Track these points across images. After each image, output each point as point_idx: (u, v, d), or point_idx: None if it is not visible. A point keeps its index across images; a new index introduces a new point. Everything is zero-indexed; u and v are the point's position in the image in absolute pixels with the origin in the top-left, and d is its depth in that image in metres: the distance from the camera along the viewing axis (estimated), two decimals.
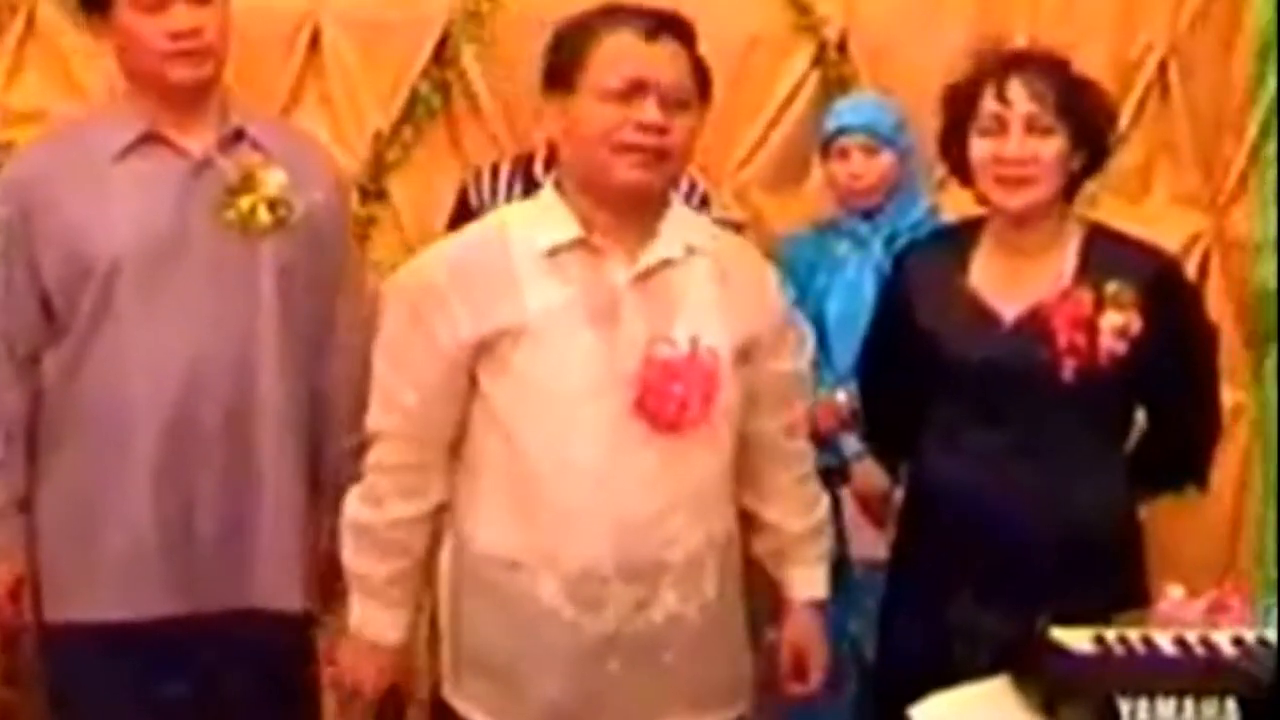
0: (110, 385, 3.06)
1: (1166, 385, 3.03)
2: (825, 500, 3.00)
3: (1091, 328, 2.92)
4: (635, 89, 2.57)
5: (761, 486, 2.88)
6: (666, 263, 2.64)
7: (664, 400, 2.60)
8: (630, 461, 2.61)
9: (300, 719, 3.33)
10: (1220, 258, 4.31)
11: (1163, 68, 4.24)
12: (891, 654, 3.11)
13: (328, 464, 3.28)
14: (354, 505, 2.76)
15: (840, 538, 3.54)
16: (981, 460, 3.00)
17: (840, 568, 3.39)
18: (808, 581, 2.93)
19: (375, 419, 2.74)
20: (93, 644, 3.11)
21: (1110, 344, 2.91)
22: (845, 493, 3.78)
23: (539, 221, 2.66)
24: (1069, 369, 2.92)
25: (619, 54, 2.59)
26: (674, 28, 2.63)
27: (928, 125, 3.83)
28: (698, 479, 2.68)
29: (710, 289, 2.67)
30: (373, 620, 2.77)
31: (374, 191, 4.11)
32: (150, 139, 3.10)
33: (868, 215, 3.88)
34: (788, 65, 4.22)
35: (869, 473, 3.74)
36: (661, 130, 2.56)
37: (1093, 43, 4.05)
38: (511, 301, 2.60)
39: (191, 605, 3.12)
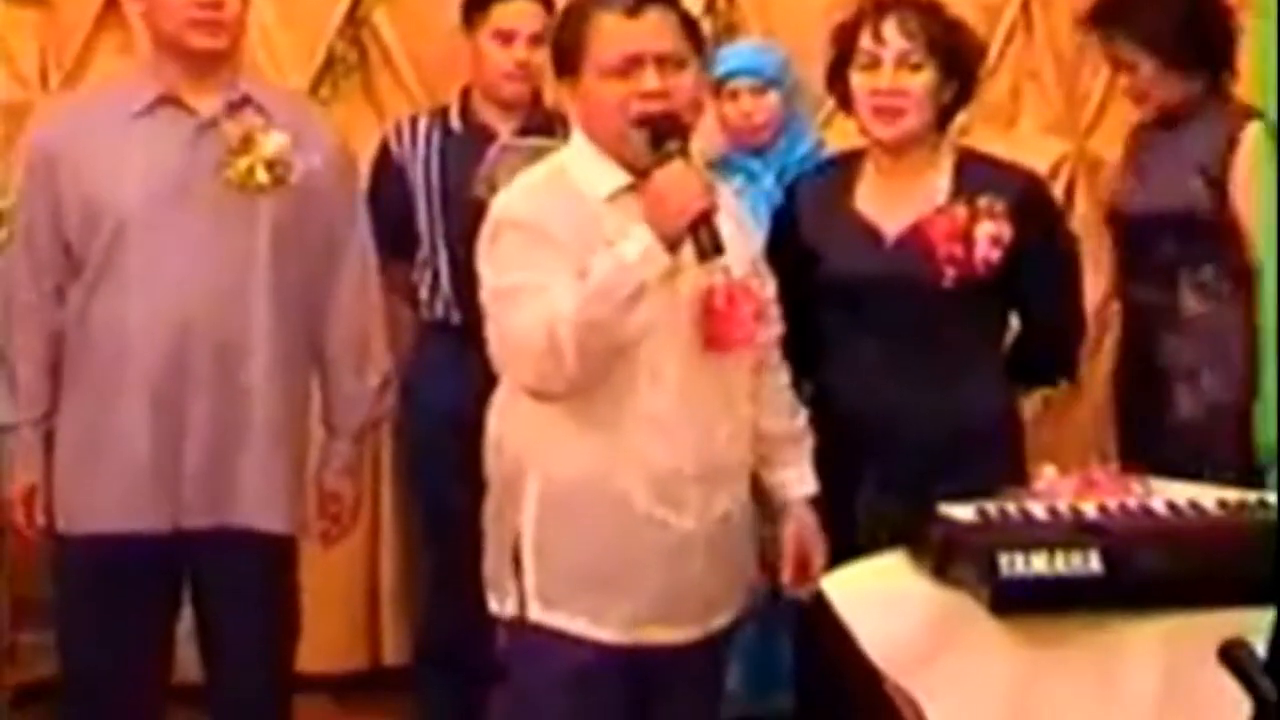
0: (114, 325, 3.34)
1: (1036, 289, 3.30)
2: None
3: (968, 238, 3.18)
4: (632, 63, 2.84)
5: (759, 396, 3.08)
6: None
7: (729, 323, 2.89)
8: (700, 376, 2.89)
9: (279, 635, 3.59)
10: (1084, 178, 4.60)
11: (1025, 4, 4.51)
12: None
13: (338, 408, 3.61)
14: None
15: None
16: (873, 365, 3.25)
17: None
18: (802, 479, 3.15)
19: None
20: (91, 554, 3.39)
21: (985, 252, 3.18)
22: None
23: (595, 170, 2.91)
24: (949, 277, 3.19)
25: (610, 34, 2.85)
26: None
27: (811, 67, 4.16)
28: (737, 390, 2.98)
29: (729, 223, 2.90)
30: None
31: None
32: (165, 101, 3.37)
33: (758, 152, 4.11)
34: None
35: None
36: (664, 94, 2.84)
37: None
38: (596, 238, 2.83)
39: (179, 522, 3.38)
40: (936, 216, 3.23)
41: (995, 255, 3.20)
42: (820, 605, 2.91)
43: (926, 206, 3.25)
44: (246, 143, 3.35)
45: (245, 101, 3.41)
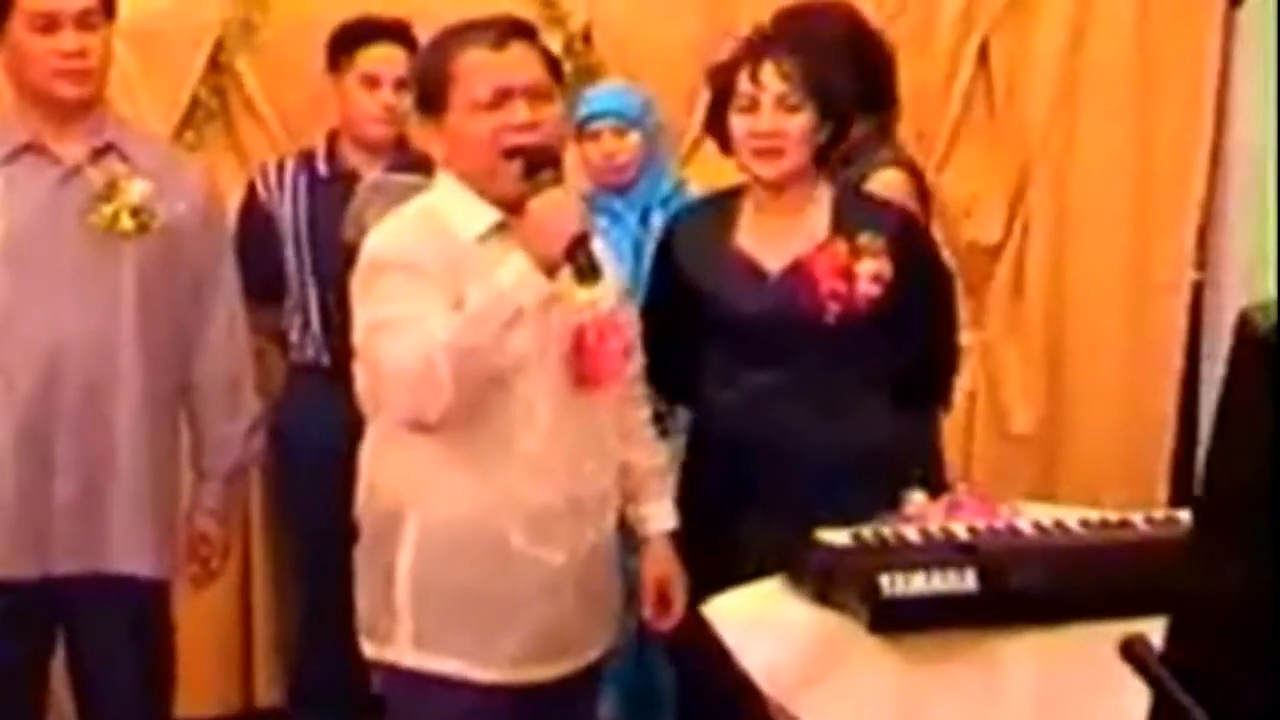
0: None
1: (914, 322, 3.37)
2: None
3: (849, 275, 3.26)
4: (502, 96, 2.87)
5: (623, 430, 3.14)
6: None
7: (600, 359, 2.94)
8: (570, 412, 2.93)
9: (155, 680, 3.59)
10: (937, 217, 4.74)
11: None
12: (687, 568, 3.28)
13: (208, 450, 3.62)
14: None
15: None
16: (756, 397, 3.31)
17: None
18: (664, 515, 3.21)
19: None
20: None
21: (866, 288, 3.26)
22: None
23: (464, 208, 2.93)
24: (832, 313, 3.26)
25: (478, 68, 2.89)
26: (517, 31, 2.95)
27: (671, 107, 4.26)
28: (604, 424, 3.03)
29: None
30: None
31: None
32: (29, 148, 3.38)
33: (621, 192, 4.16)
34: None
35: None
36: (535, 125, 2.88)
37: None
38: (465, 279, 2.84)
39: (47, 567, 3.37)
40: (818, 254, 3.29)
41: (875, 291, 3.27)
42: (695, 634, 2.97)
43: (807, 243, 3.31)
44: (111, 189, 3.37)
45: (109, 149, 3.42)
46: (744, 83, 3.31)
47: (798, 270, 3.30)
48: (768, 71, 3.29)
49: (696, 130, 4.44)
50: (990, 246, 4.69)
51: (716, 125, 3.40)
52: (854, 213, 3.35)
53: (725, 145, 3.40)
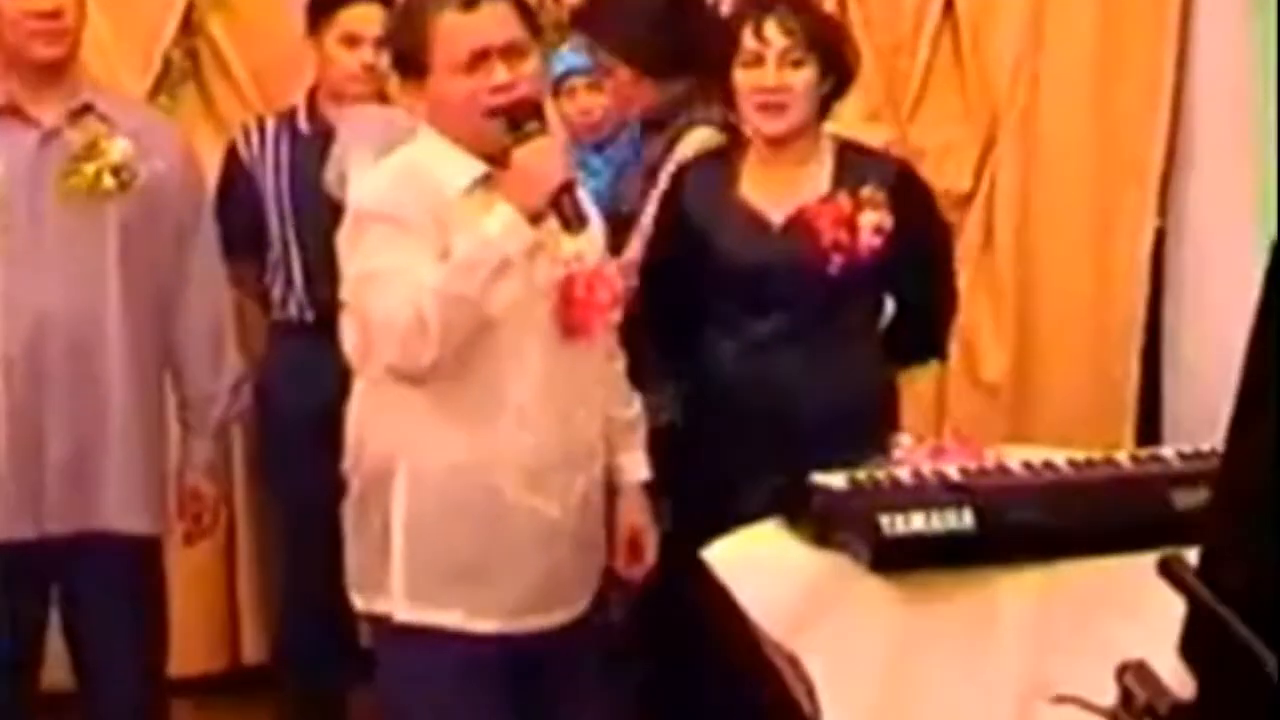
0: None
1: (913, 273, 3.46)
2: None
3: (852, 226, 3.33)
4: (479, 58, 2.89)
5: (607, 381, 3.18)
6: None
7: (589, 310, 2.97)
8: (560, 364, 2.97)
9: (150, 637, 3.63)
10: None
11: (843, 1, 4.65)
12: (685, 517, 3.37)
13: (192, 407, 3.66)
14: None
15: None
16: (757, 344, 3.39)
17: None
18: (637, 465, 3.23)
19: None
20: None
21: (869, 240, 3.34)
22: None
23: (448, 162, 2.94)
24: (835, 264, 3.34)
25: (452, 31, 2.89)
26: None
27: None
28: (591, 375, 3.06)
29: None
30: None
31: None
32: (7, 112, 3.39)
33: (597, 148, 4.19)
34: None
35: None
36: (513, 85, 2.90)
37: None
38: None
39: (42, 528, 3.40)
40: (822, 205, 3.36)
41: (878, 243, 3.34)
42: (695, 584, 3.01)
43: (810, 195, 3.38)
44: (91, 149, 3.40)
45: (87, 109, 3.44)
46: (748, 38, 3.36)
47: (801, 221, 3.37)
48: (771, 28, 3.34)
49: None
50: (961, 195, 4.74)
51: (718, 81, 3.44)
52: (855, 165, 3.42)
53: (728, 100, 3.44)
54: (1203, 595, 1.37)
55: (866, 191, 3.36)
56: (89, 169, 3.38)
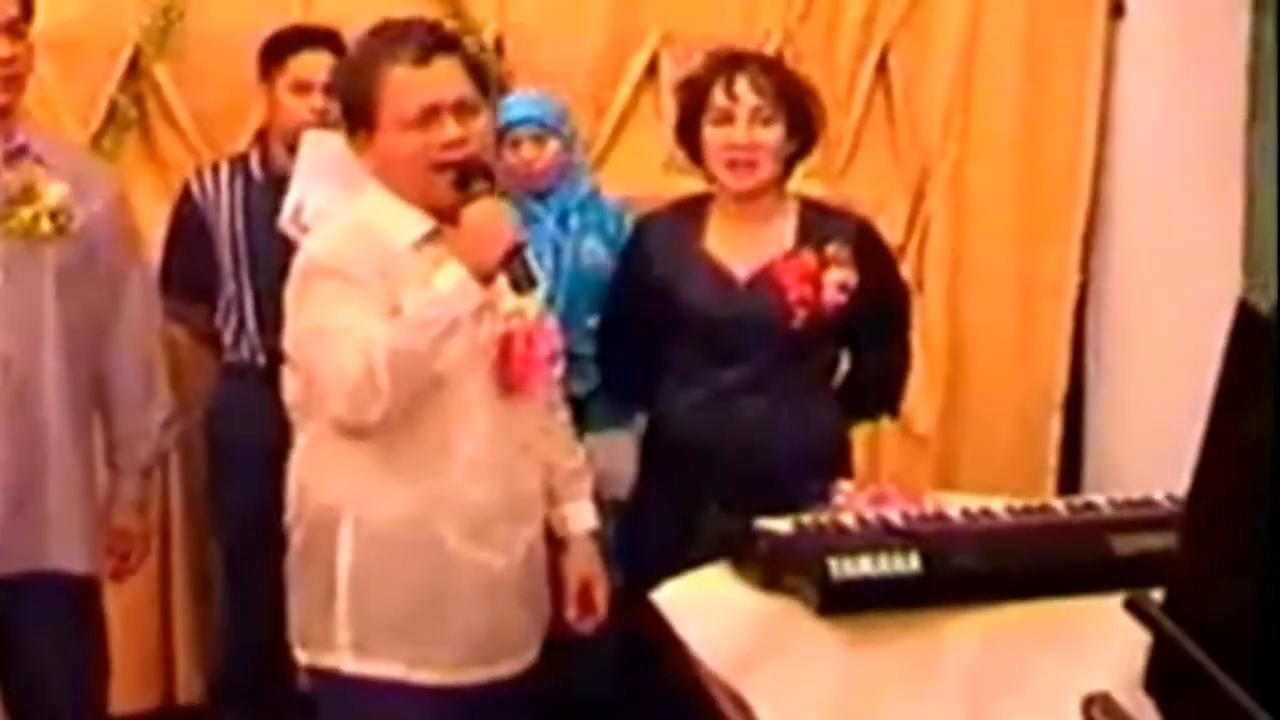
0: None
1: (873, 331, 3.55)
2: None
3: (816, 282, 3.41)
4: (429, 114, 2.89)
5: (549, 433, 3.20)
6: None
7: (529, 365, 3.00)
8: (502, 418, 3.00)
9: (90, 675, 3.64)
10: None
11: (779, 54, 4.67)
12: (644, 566, 3.31)
13: (121, 445, 3.66)
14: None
15: None
16: (715, 395, 3.46)
17: None
18: (584, 515, 3.26)
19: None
20: None
21: (833, 296, 3.42)
22: None
23: (397, 218, 2.96)
24: (799, 318, 3.42)
25: (402, 87, 2.90)
26: (441, 45, 2.96)
27: (578, 115, 4.37)
28: (532, 428, 3.09)
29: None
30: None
31: None
32: None
33: (540, 197, 4.24)
34: None
35: None
36: (463, 141, 2.92)
37: (720, 31, 4.44)
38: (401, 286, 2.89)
39: None
40: (787, 261, 3.44)
41: (842, 299, 3.43)
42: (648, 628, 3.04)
43: (775, 251, 3.46)
44: (28, 193, 3.40)
45: (22, 152, 3.44)
46: (719, 96, 3.43)
47: (767, 277, 3.44)
48: (743, 85, 3.42)
49: (604, 139, 4.59)
50: (893, 248, 4.83)
51: (687, 137, 3.51)
52: (818, 222, 3.51)
53: (695, 156, 3.50)
54: (1170, 630, 1.45)
55: (831, 249, 3.44)
56: (26, 213, 3.39)
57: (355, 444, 2.92)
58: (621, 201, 4.32)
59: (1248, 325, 1.47)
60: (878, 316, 3.55)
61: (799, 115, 3.47)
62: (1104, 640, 2.56)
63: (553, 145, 4.24)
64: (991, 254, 4.96)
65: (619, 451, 3.95)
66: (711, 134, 3.45)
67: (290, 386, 3.03)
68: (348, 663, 2.98)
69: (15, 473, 3.42)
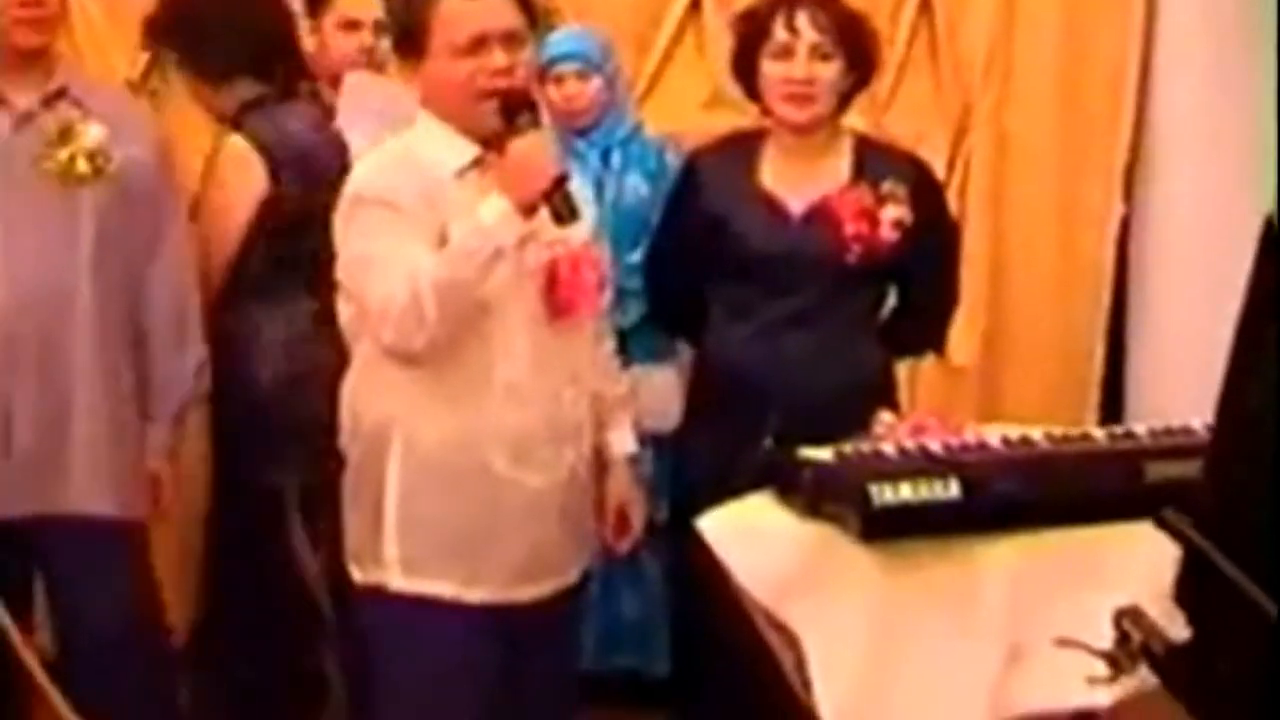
0: None
1: (922, 268, 3.57)
2: None
3: (873, 219, 3.44)
4: (479, 42, 2.98)
5: (596, 361, 3.25)
6: None
7: (575, 291, 3.06)
8: (548, 345, 3.06)
9: (133, 618, 3.66)
10: None
11: None
12: (690, 498, 3.38)
13: (156, 389, 3.66)
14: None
15: None
16: (765, 329, 3.48)
17: None
18: (624, 440, 3.32)
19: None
20: None
21: (888, 233, 3.45)
22: None
23: (443, 146, 3.03)
24: (854, 254, 3.44)
25: (455, 16, 2.99)
26: None
27: (623, 52, 4.39)
28: (580, 355, 3.15)
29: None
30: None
31: None
32: None
33: (583, 133, 4.28)
34: None
35: None
36: (510, 70, 3.00)
37: None
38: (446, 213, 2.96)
39: (7, 510, 3.45)
40: (844, 196, 3.46)
41: (896, 237, 3.45)
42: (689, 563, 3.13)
43: (830, 186, 3.48)
44: (65, 134, 3.43)
45: (61, 94, 3.47)
46: (779, 31, 3.45)
47: (822, 211, 3.47)
48: (803, 20, 3.44)
49: (647, 76, 4.62)
50: None
51: (743, 70, 3.53)
52: (874, 159, 3.53)
53: (751, 90, 3.53)
54: (1199, 543, 1.49)
55: (888, 186, 3.46)
56: (62, 154, 3.42)
57: (404, 368, 3.01)
58: (664, 138, 4.35)
59: (1275, 243, 1.50)
60: (929, 256, 3.57)
61: (856, 51, 3.49)
62: (1133, 562, 2.61)
63: (596, 82, 4.28)
64: (1033, 187, 4.94)
65: (659, 386, 4.04)
66: (770, 68, 3.47)
67: (344, 311, 3.10)
68: (396, 579, 3.06)
69: (39, 418, 3.45)
